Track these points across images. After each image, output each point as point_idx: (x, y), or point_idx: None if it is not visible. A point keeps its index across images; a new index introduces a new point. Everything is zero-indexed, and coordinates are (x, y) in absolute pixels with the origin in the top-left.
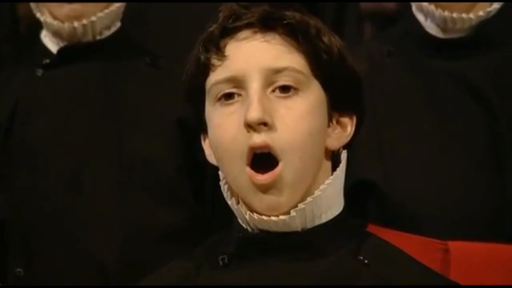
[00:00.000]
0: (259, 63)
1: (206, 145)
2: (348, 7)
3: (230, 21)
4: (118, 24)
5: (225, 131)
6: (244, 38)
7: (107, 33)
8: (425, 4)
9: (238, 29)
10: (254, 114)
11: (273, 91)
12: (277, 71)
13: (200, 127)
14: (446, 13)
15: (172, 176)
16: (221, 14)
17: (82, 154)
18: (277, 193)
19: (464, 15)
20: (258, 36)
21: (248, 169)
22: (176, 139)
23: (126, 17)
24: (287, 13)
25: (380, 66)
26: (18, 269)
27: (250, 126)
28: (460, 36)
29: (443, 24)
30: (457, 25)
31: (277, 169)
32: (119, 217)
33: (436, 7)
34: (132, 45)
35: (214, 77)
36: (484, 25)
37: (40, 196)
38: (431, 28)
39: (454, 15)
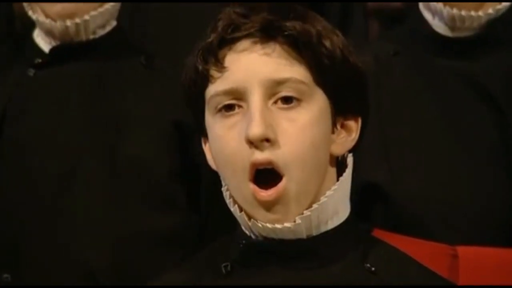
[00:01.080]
0: (259, 76)
1: (207, 149)
2: (354, 7)
3: (229, 31)
4: (114, 23)
5: (226, 144)
6: (244, 50)
7: (101, 32)
8: (433, 2)
9: (237, 40)
10: (256, 130)
11: (275, 102)
12: (279, 83)
13: (200, 131)
14: (455, 11)
15: (167, 179)
16: (219, 23)
17: (74, 155)
18: (282, 208)
19: (473, 13)
20: (258, 47)
21: (251, 185)
22: (172, 142)
23: (122, 16)
24: (287, 23)
25: (386, 66)
26: (5, 275)
27: (252, 143)
28: (468, 35)
29: (451, 23)
30: (466, 23)
31: (281, 185)
32: (111, 221)
33: (444, 5)
34: (127, 45)
35: (213, 88)
36: (493, 23)
37: (30, 198)
38: (438, 26)
39: (463, 13)
